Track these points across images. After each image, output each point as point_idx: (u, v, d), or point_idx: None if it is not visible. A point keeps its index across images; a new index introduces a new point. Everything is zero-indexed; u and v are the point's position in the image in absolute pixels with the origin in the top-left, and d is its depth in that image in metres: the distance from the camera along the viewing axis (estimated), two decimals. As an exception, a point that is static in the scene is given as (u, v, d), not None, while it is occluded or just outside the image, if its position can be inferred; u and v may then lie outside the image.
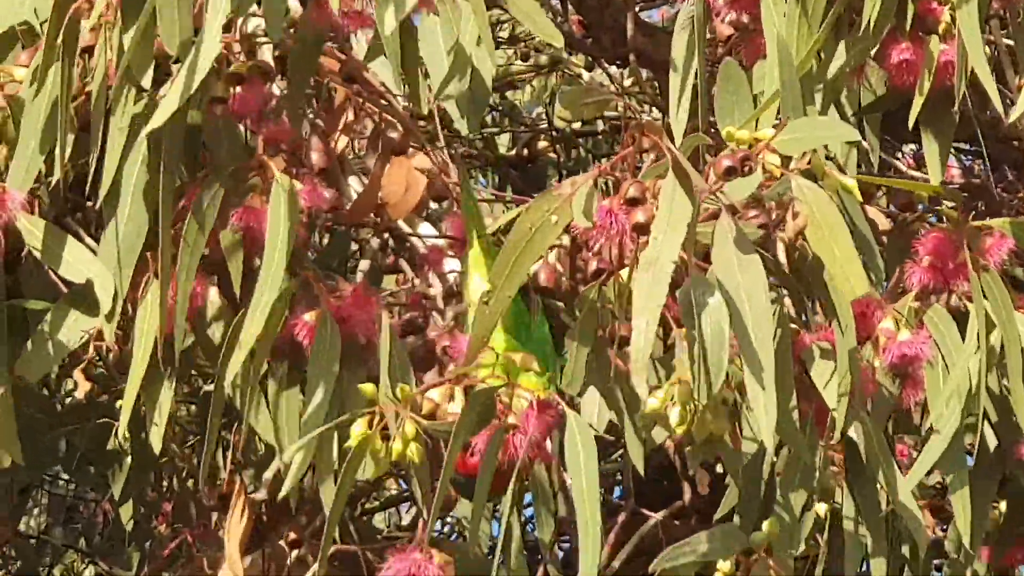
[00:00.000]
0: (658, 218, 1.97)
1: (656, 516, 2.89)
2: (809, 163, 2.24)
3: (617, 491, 3.50)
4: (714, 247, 2.02)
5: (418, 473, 2.13)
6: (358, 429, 2.03)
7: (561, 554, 2.76)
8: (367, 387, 2.08)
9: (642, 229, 2.01)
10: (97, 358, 2.41)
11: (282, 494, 2.13)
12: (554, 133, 3.54)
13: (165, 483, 2.96)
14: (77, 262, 2.29)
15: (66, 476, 3.70)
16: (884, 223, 2.75)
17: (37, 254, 2.28)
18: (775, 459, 2.31)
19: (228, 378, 2.17)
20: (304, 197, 2.22)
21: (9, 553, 3.79)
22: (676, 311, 2.06)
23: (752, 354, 1.96)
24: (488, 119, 3.60)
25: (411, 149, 2.57)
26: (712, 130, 2.43)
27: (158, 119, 2.12)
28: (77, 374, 2.32)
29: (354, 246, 2.92)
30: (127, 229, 2.27)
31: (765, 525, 2.22)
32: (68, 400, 2.65)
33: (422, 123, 2.71)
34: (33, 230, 2.29)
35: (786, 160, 2.19)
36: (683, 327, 2.02)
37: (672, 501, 3.01)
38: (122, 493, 2.74)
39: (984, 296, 2.30)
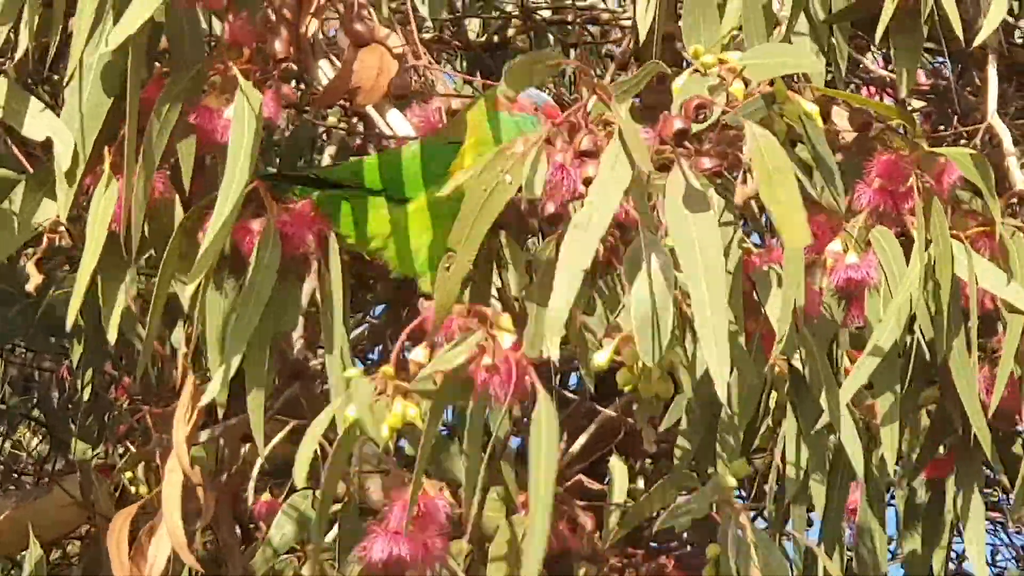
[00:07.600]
0: (596, 181, 1.97)
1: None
2: (771, 85, 2.26)
3: (574, 378, 3.55)
4: (667, 203, 2.02)
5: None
6: (351, 414, 2.05)
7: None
8: (351, 372, 2.11)
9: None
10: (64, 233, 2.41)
11: (205, 401, 2.16)
12: (525, 20, 3.51)
13: (124, 359, 2.97)
14: (39, 121, 2.28)
15: (24, 347, 3.72)
16: (848, 126, 2.75)
17: (-1, 112, 2.28)
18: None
19: (189, 290, 2.21)
20: (266, 106, 2.20)
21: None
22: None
23: (705, 318, 1.96)
24: (459, 3, 3.56)
25: (383, 32, 2.55)
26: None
27: (121, 33, 2.10)
28: (30, 266, 2.30)
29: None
30: (88, 105, 2.25)
31: (733, 466, 2.26)
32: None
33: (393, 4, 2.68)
34: (-5, 88, 2.27)
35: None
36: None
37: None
38: (80, 364, 2.76)
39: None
